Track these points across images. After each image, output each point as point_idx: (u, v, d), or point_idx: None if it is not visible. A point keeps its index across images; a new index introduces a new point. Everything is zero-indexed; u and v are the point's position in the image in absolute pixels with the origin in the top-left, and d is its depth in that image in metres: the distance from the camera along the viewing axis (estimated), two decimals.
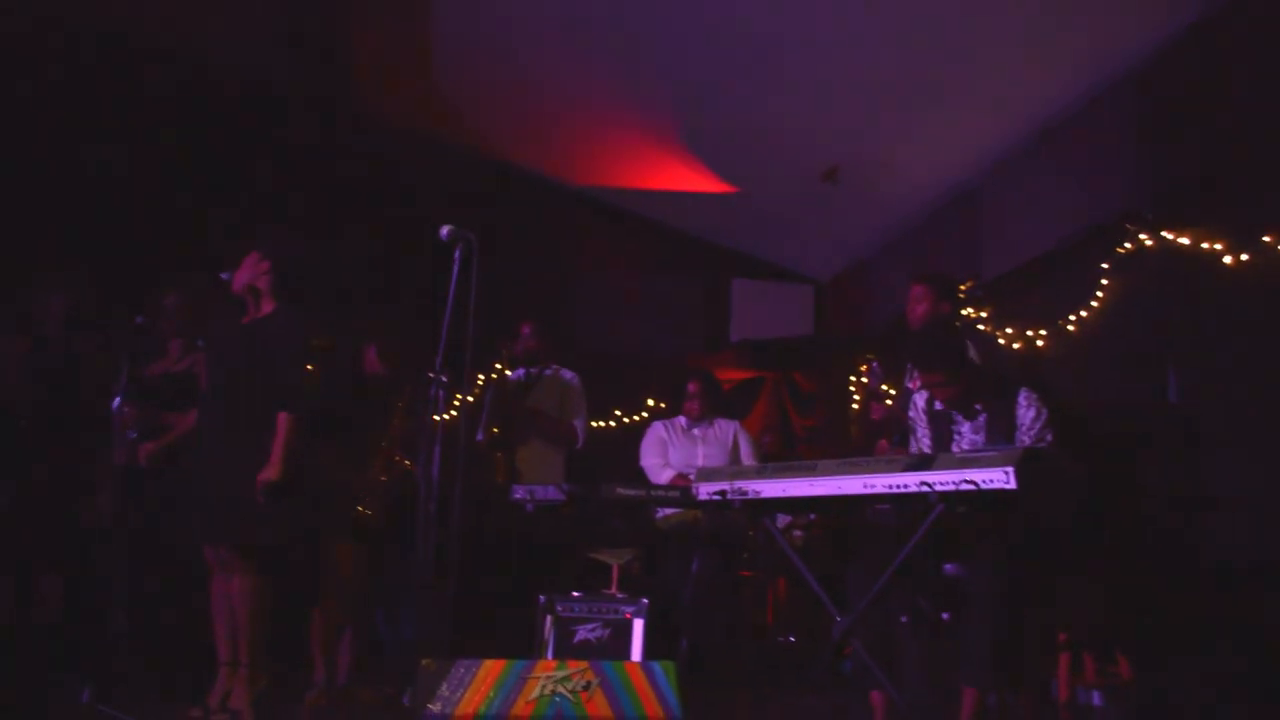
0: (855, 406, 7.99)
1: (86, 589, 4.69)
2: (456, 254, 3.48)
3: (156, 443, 4.67)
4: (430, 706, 2.32)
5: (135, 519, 4.55)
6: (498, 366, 5.56)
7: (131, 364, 4.38)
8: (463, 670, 2.42)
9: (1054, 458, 3.65)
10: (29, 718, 4.08)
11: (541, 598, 4.64)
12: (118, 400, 4.74)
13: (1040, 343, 5.81)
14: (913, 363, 4.31)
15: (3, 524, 4.77)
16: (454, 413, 6.66)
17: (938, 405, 4.03)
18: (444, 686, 2.38)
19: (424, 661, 2.44)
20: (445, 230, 3.49)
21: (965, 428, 3.96)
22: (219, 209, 6.21)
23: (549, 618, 4.62)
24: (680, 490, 4.96)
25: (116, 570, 4.01)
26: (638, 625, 4.54)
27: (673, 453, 5.65)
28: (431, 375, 3.54)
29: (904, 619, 4.02)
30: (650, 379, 7.97)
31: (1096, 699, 3.50)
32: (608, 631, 4.56)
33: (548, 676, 2.43)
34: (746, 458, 5.64)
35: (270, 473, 4.14)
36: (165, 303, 4.93)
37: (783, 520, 5.72)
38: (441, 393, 3.53)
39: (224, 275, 4.41)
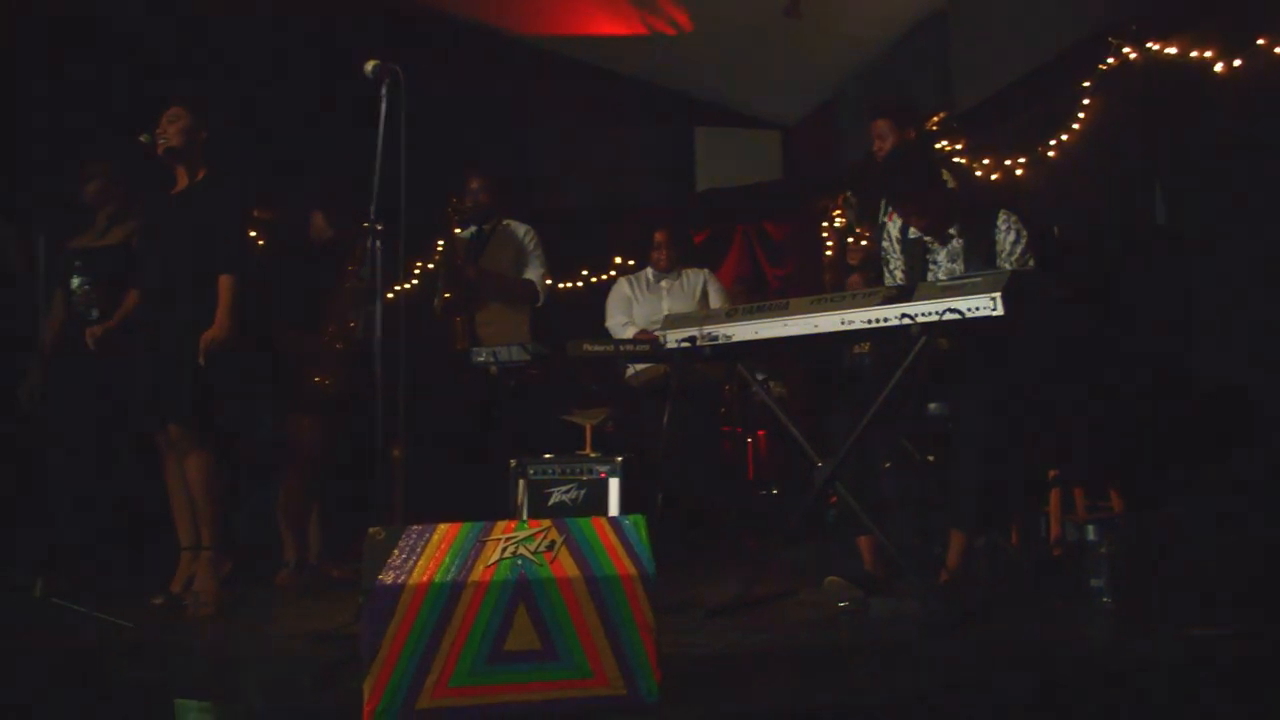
0: (828, 253, 7.76)
1: (32, 480, 4.47)
2: (383, 91, 3.17)
3: (104, 325, 4.37)
4: (380, 577, 2.12)
5: (76, 403, 4.30)
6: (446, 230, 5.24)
7: (51, 239, 4.06)
8: (415, 537, 2.23)
9: (1040, 283, 3.44)
10: None
11: (513, 461, 4.48)
12: (75, 279, 4.46)
13: (1019, 172, 5.56)
14: (881, 193, 4.06)
15: None
16: (411, 282, 6.41)
17: (911, 234, 3.79)
18: (395, 555, 2.19)
19: (372, 530, 2.23)
20: (370, 66, 3.19)
21: (940, 256, 3.73)
22: (135, 69, 5.78)
23: (521, 481, 4.48)
24: (650, 343, 4.75)
25: (56, 459, 3.77)
26: (613, 484, 4.40)
27: (638, 309, 5.42)
28: (367, 225, 3.26)
29: (887, 464, 3.89)
30: (616, 234, 7.69)
31: (1092, 533, 3.38)
32: (583, 492, 4.43)
33: (508, 538, 2.24)
34: (715, 304, 5.42)
35: (215, 331, 3.91)
36: (89, 170, 4.58)
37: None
38: (379, 243, 3.26)
39: (143, 137, 4.07)
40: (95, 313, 4.45)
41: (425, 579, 2.18)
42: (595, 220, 7.74)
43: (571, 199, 7.77)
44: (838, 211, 7.51)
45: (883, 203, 4.48)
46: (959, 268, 3.64)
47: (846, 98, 7.66)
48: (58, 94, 5.67)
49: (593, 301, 7.12)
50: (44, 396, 3.94)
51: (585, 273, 7.82)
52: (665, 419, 4.52)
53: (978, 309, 3.02)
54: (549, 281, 5.33)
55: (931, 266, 3.74)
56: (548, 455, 4.54)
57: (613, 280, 6.00)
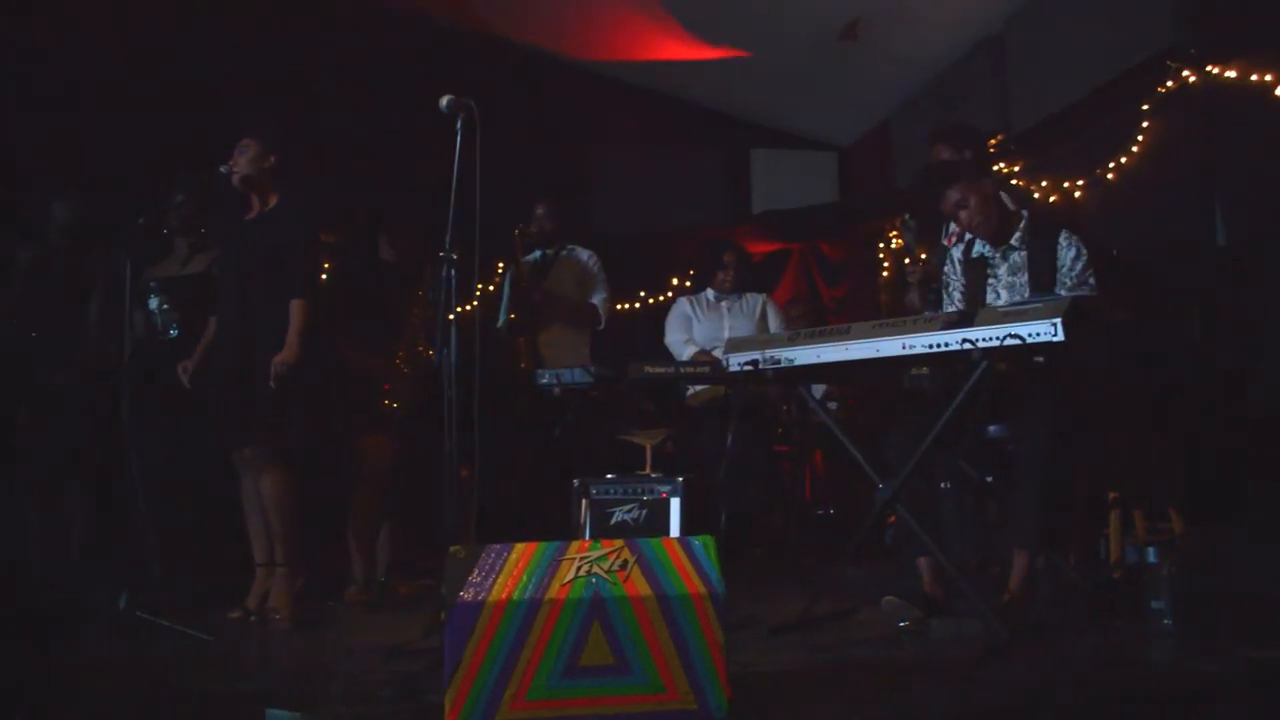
0: (885, 274, 7.80)
1: (115, 497, 4.63)
2: (458, 125, 3.29)
3: (193, 361, 4.52)
4: (462, 594, 2.22)
5: (156, 422, 4.45)
6: (512, 255, 5.38)
7: (137, 267, 4.23)
8: (493, 556, 2.32)
9: (1100, 307, 3.47)
10: (68, 626, 4.08)
11: (575, 481, 4.56)
12: (154, 300, 4.62)
13: (1078, 194, 5.57)
14: (930, 181, 4.09)
15: (26, 439, 4.71)
16: (475, 303, 6.55)
17: (974, 252, 3.84)
18: (475, 573, 2.28)
19: (452, 549, 2.33)
20: (445, 101, 3.30)
21: (1001, 270, 3.77)
22: (214, 101, 5.98)
23: (584, 501, 4.56)
24: (710, 365, 4.83)
25: (140, 476, 3.92)
26: (674, 504, 4.46)
27: (698, 328, 5.50)
28: (442, 254, 3.38)
29: (945, 485, 3.92)
30: (672, 257, 7.79)
31: (1151, 555, 3.39)
32: (644, 511, 4.49)
33: (582, 557, 2.33)
34: (774, 329, 5.49)
35: (286, 354, 4.04)
36: (171, 201, 4.75)
37: (816, 393, 5.60)
38: (454, 273, 3.37)
39: (222, 168, 4.24)
40: (174, 332, 4.61)
41: (504, 596, 2.28)
42: (652, 243, 7.83)
43: (628, 221, 7.88)
44: (894, 232, 7.56)
45: (944, 226, 4.53)
46: (1019, 281, 3.68)
47: (902, 119, 7.71)
48: (142, 124, 5.89)
49: (649, 323, 7.22)
50: (127, 416, 4.08)
51: (642, 294, 7.91)
52: (729, 440, 4.58)
53: (1039, 334, 3.06)
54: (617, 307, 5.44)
55: (991, 282, 3.78)
56: (610, 475, 4.62)
57: (669, 302, 6.09)
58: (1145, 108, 5.14)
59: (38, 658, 3.47)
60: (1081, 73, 5.55)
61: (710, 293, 5.65)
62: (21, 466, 4.72)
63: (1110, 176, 5.35)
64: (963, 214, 3.76)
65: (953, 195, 3.75)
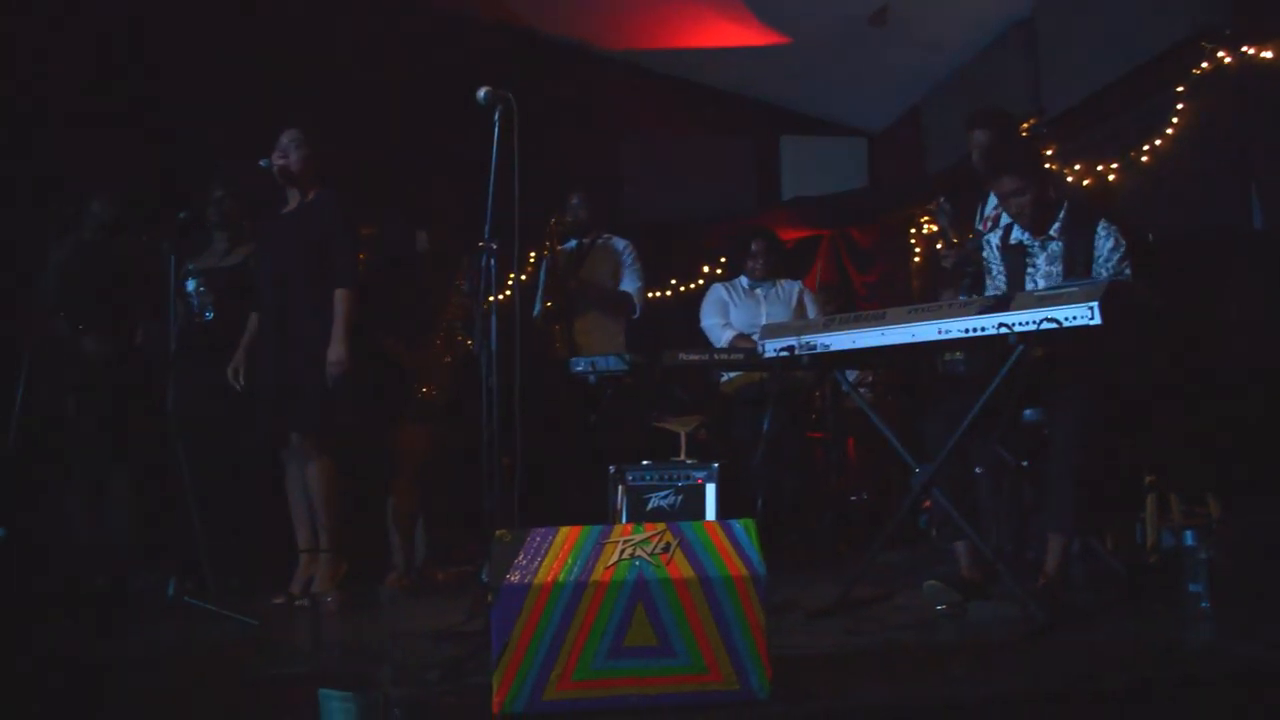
0: (916, 259, 7.79)
1: (158, 485, 4.72)
2: (496, 116, 3.33)
3: (236, 359, 4.57)
4: (509, 577, 2.27)
5: (200, 408, 4.52)
6: (546, 243, 5.42)
7: (178, 260, 4.29)
8: (538, 539, 2.37)
9: (1137, 291, 3.46)
10: (117, 612, 4.17)
11: (611, 468, 4.61)
12: (191, 283, 4.70)
13: (1112, 177, 5.55)
14: (984, 170, 4.08)
15: (73, 429, 4.80)
16: (508, 292, 6.59)
17: (1013, 239, 3.84)
18: (521, 556, 2.33)
19: (498, 533, 2.38)
20: (482, 92, 3.34)
21: (1040, 259, 3.77)
22: (250, 95, 6.06)
23: (620, 487, 4.60)
24: (744, 352, 4.86)
25: (184, 464, 4.00)
26: (710, 490, 4.49)
27: (735, 313, 5.52)
28: (482, 245, 3.43)
29: (979, 470, 3.94)
30: (703, 244, 7.81)
31: (1189, 539, 3.40)
32: (680, 498, 4.53)
33: (625, 540, 2.37)
34: (811, 317, 5.50)
35: (337, 349, 4.11)
36: (212, 195, 4.82)
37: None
38: (494, 262, 3.42)
39: (262, 163, 4.30)
40: (209, 315, 4.69)
41: (550, 579, 2.32)
42: (683, 230, 7.85)
43: (659, 209, 7.89)
44: (926, 218, 7.54)
45: (979, 211, 4.53)
46: (1057, 270, 3.68)
47: (933, 104, 7.68)
48: (178, 118, 5.97)
49: (680, 310, 7.24)
50: (172, 406, 4.15)
51: (673, 281, 7.94)
52: (766, 426, 4.60)
53: (1075, 318, 3.07)
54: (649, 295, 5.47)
55: (1030, 271, 3.78)
56: (645, 462, 4.66)
57: (701, 289, 6.12)
58: (1180, 90, 5.11)
59: (92, 643, 3.55)
60: (1114, 55, 5.51)
61: (744, 279, 5.66)
62: (68, 456, 4.81)
63: (1145, 160, 5.32)
64: (1015, 201, 3.73)
65: (1009, 182, 3.71)
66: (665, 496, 4.56)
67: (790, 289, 5.61)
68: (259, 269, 4.49)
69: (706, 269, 7.81)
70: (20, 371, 4.55)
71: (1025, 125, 5.35)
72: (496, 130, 3.32)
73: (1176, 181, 5.16)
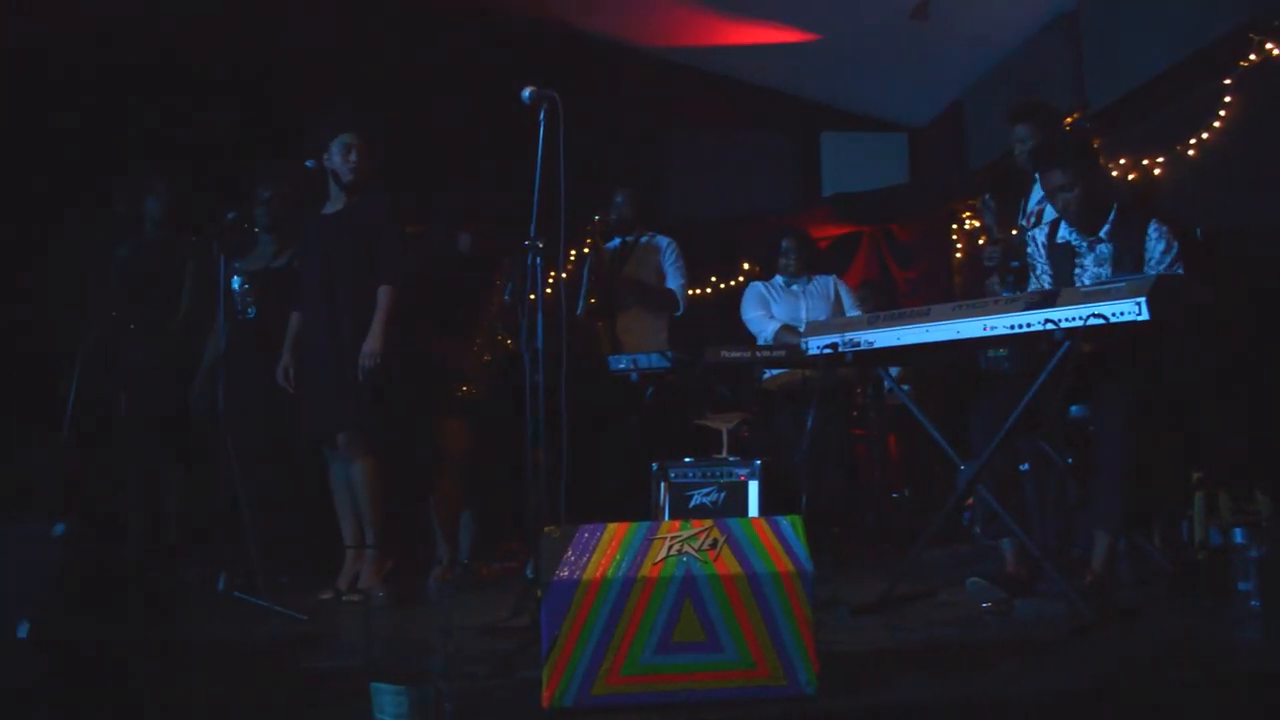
0: (958, 255, 7.75)
1: (207, 480, 4.80)
2: (541, 116, 3.36)
3: (283, 359, 4.62)
4: (558, 572, 2.30)
5: (247, 405, 4.59)
6: (588, 241, 5.46)
7: (226, 261, 4.36)
8: (587, 535, 2.39)
9: (1187, 286, 3.42)
10: (167, 607, 4.23)
11: (654, 465, 4.62)
12: (236, 281, 4.77)
13: (1157, 171, 5.49)
14: (1034, 163, 4.04)
15: (125, 425, 4.89)
16: (549, 290, 6.63)
17: (1059, 238, 3.82)
18: (569, 552, 2.36)
19: (547, 529, 2.41)
20: (527, 92, 3.37)
21: (1088, 260, 3.74)
22: (296, 95, 6.13)
23: (662, 484, 4.62)
24: (787, 349, 4.86)
25: (232, 460, 4.06)
26: (753, 487, 4.50)
27: (776, 309, 5.54)
28: (527, 243, 3.46)
29: (1024, 466, 3.92)
30: (743, 241, 7.81)
31: (1238, 537, 3.37)
32: (723, 495, 4.54)
33: (673, 536, 2.39)
34: (850, 309, 5.51)
35: (373, 343, 4.16)
36: (257, 196, 4.89)
37: None
38: (539, 261, 3.45)
39: (309, 163, 4.35)
40: (251, 313, 4.75)
41: (599, 574, 2.35)
42: (723, 227, 7.85)
43: (700, 206, 7.91)
44: (968, 213, 7.50)
45: (1021, 205, 4.50)
46: (1105, 273, 3.65)
47: (974, 98, 7.64)
48: (227, 118, 6.05)
49: (720, 307, 7.26)
50: (221, 400, 4.22)
51: (713, 279, 7.95)
52: (809, 423, 4.60)
53: (1123, 313, 3.05)
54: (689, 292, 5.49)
55: (1077, 271, 3.75)
56: (688, 459, 4.67)
57: (740, 286, 6.12)
58: (1227, 82, 5.05)
59: (146, 637, 3.61)
60: (1160, 47, 5.46)
61: (780, 278, 5.68)
62: (121, 452, 4.90)
63: (1191, 154, 5.27)
64: (1063, 197, 3.68)
65: (1057, 177, 3.66)
66: (708, 493, 4.57)
67: (825, 283, 5.63)
68: (304, 268, 4.54)
69: (746, 266, 7.81)
70: (74, 369, 4.66)
71: (1069, 119, 5.32)
72: (542, 129, 3.34)
73: (1223, 176, 5.10)
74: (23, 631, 2.49)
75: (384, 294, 4.23)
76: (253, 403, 4.64)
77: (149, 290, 4.96)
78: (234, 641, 3.50)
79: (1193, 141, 5.26)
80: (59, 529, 2.71)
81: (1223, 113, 5.10)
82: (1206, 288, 3.69)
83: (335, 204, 4.45)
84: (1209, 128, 5.17)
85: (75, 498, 4.59)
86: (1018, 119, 4.51)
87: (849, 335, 3.60)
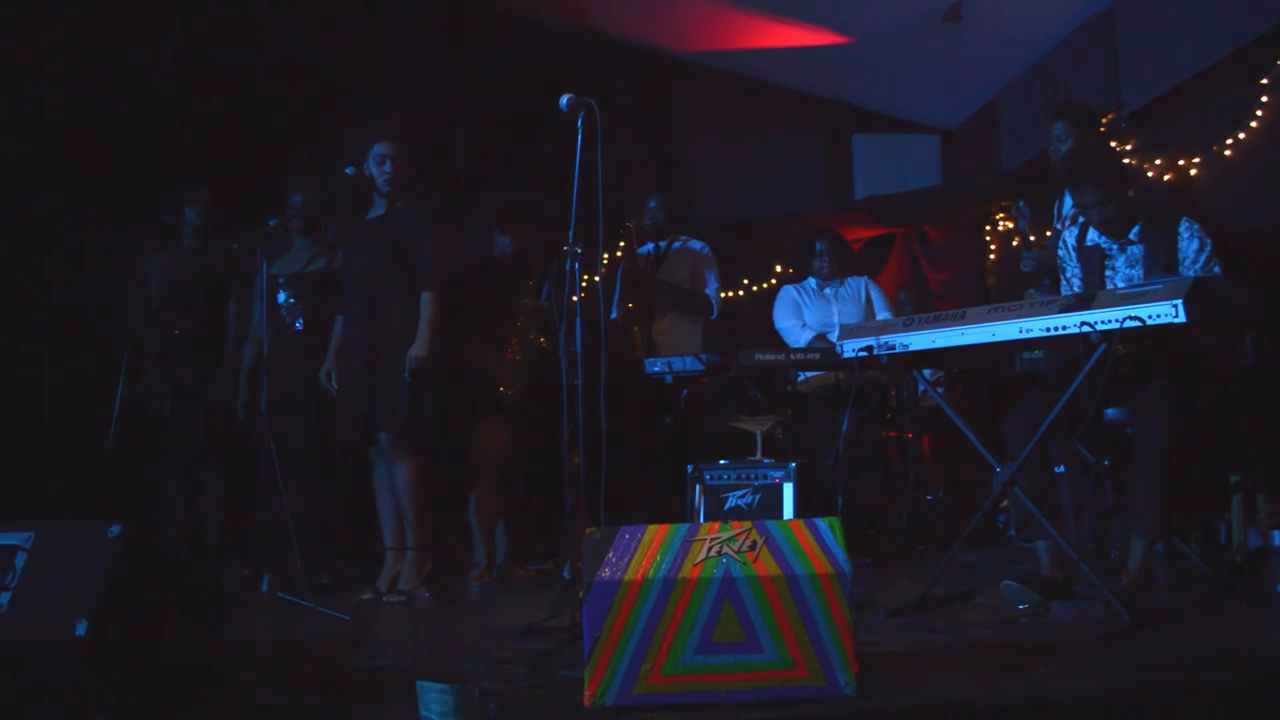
0: (992, 257, 7.73)
1: (249, 484, 4.88)
2: (579, 122, 3.40)
3: (327, 361, 4.67)
4: (600, 573, 2.34)
5: (291, 411, 4.66)
6: (621, 245, 5.50)
7: (268, 265, 4.43)
8: (628, 537, 2.43)
9: (1224, 287, 3.42)
10: (212, 609, 4.31)
11: (690, 467, 4.66)
12: (281, 295, 4.85)
13: (1193, 171, 5.46)
14: (1064, 180, 4.04)
15: (170, 429, 4.97)
16: (583, 294, 6.68)
17: (1089, 240, 3.82)
18: (611, 553, 2.40)
19: (588, 530, 2.45)
20: (565, 99, 3.41)
21: (1119, 262, 3.74)
22: (333, 101, 6.20)
23: (698, 486, 4.65)
24: (820, 351, 4.88)
25: (276, 465, 4.13)
26: (788, 489, 4.53)
27: (808, 314, 5.56)
28: (566, 249, 3.51)
29: (1060, 469, 3.91)
30: (776, 244, 7.82)
31: (1277, 539, 3.36)
32: (758, 497, 4.57)
33: (713, 538, 2.43)
34: (881, 311, 5.53)
35: (420, 349, 4.22)
36: (294, 201, 4.96)
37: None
38: (577, 265, 3.50)
39: (349, 170, 4.42)
40: (300, 325, 4.83)
41: (640, 575, 2.38)
42: (755, 230, 7.87)
43: (732, 209, 7.93)
44: (1001, 215, 7.48)
45: (1056, 208, 4.50)
46: (1137, 274, 3.65)
47: (1008, 99, 7.61)
48: (263, 124, 6.13)
49: (752, 310, 7.28)
50: (266, 408, 4.29)
51: (745, 281, 7.97)
52: (845, 426, 4.62)
53: (1159, 315, 3.05)
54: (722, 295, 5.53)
55: (1109, 274, 3.75)
56: (723, 461, 4.70)
57: (773, 288, 6.15)
58: (1264, 82, 5.02)
59: (194, 636, 3.68)
60: (1196, 46, 5.43)
61: (812, 281, 5.70)
62: (166, 457, 4.99)
63: (1227, 154, 5.24)
64: (1096, 211, 3.67)
65: (1091, 192, 3.65)
66: (743, 496, 4.60)
67: (857, 285, 5.65)
68: (345, 274, 4.60)
69: (779, 268, 7.82)
70: (120, 373, 4.75)
71: (1105, 119, 5.30)
72: (580, 136, 3.38)
73: (1260, 175, 5.06)
74: (81, 630, 2.57)
75: (428, 300, 4.28)
76: (295, 405, 4.70)
77: (190, 297, 5.05)
78: (278, 641, 3.57)
79: (1229, 142, 5.22)
80: (114, 530, 2.78)
81: (1260, 113, 5.07)
82: (1255, 301, 3.66)
83: (377, 210, 4.51)
84: (1246, 127, 5.13)
85: (123, 501, 4.67)
86: (1057, 115, 4.51)
87: (884, 338, 3.62)
